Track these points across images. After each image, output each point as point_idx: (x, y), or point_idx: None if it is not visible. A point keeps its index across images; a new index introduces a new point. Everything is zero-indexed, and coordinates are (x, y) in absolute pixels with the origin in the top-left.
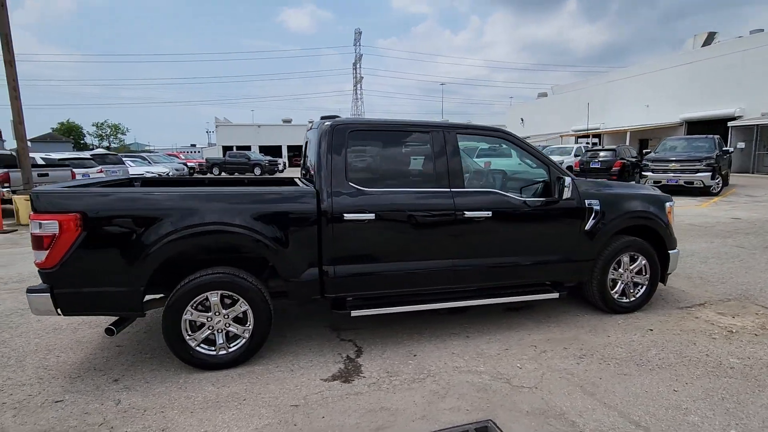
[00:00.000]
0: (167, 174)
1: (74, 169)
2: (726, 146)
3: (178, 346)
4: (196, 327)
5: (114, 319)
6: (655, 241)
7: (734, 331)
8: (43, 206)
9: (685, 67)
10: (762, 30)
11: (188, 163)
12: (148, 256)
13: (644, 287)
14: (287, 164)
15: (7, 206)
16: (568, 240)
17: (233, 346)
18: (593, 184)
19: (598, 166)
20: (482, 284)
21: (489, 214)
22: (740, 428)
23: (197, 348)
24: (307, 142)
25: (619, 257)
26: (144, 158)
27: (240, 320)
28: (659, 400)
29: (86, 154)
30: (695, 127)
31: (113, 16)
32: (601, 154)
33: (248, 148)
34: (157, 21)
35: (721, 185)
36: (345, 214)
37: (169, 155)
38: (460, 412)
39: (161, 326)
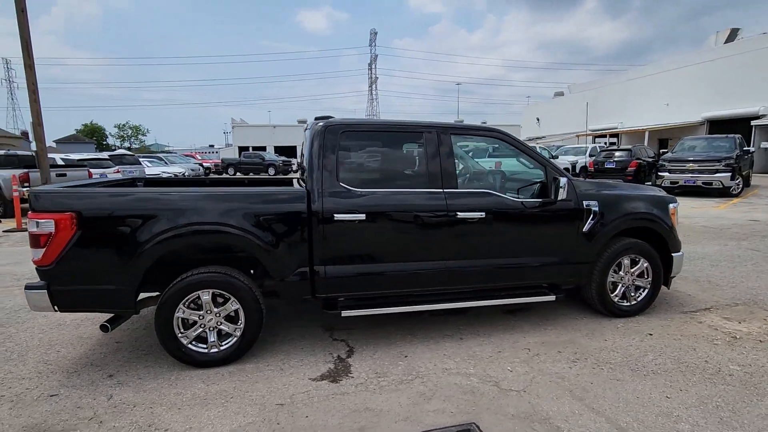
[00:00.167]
0: (183, 174)
1: (91, 169)
2: (748, 146)
3: (170, 343)
4: (188, 325)
5: (110, 316)
6: (657, 243)
7: (738, 337)
8: (40, 205)
9: (707, 65)
10: None
11: (204, 164)
12: (140, 255)
13: (646, 291)
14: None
15: (25, 205)
16: (565, 241)
17: (225, 344)
18: (592, 185)
19: (612, 166)
20: (476, 286)
21: (482, 215)
22: None
23: (189, 346)
24: (303, 143)
25: (620, 260)
26: (161, 159)
27: (232, 319)
28: (650, 406)
29: (104, 155)
30: (717, 126)
31: (136, 19)
32: (617, 154)
33: (264, 148)
34: (178, 24)
35: (741, 186)
36: (335, 215)
37: (186, 156)
38: (444, 414)
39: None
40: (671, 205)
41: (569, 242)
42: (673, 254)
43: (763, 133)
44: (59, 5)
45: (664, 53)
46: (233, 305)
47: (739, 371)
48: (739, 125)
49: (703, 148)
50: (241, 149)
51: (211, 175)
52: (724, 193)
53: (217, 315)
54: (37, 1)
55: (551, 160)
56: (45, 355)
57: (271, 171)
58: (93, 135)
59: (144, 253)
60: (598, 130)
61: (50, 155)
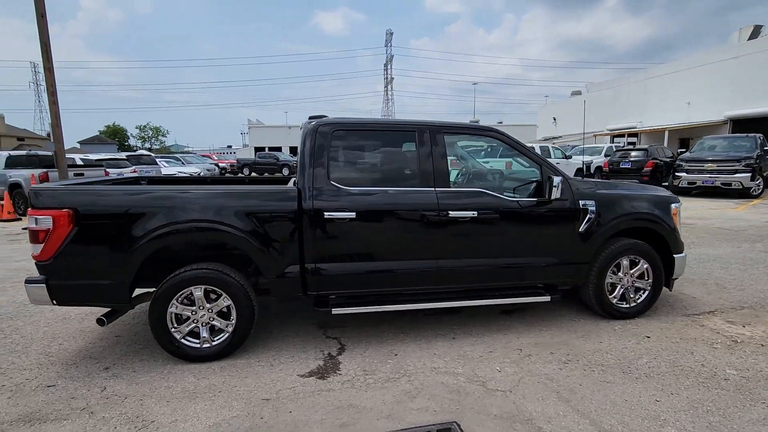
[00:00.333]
0: (198, 174)
1: (108, 169)
2: None
3: (163, 337)
4: (181, 320)
5: (106, 310)
6: (659, 244)
7: (739, 340)
8: (40, 203)
9: (730, 62)
10: None
11: (220, 164)
12: (133, 251)
13: (646, 293)
14: None
15: None
16: (560, 242)
17: (217, 339)
18: (590, 185)
19: (628, 166)
20: (469, 285)
21: (474, 214)
22: None
23: (182, 340)
24: None
25: (618, 260)
26: (177, 159)
27: (224, 315)
28: (637, 409)
29: (122, 155)
30: (740, 125)
31: (158, 23)
32: (633, 153)
33: (279, 149)
34: (199, 27)
35: (762, 187)
36: (325, 213)
37: (203, 156)
38: (427, 413)
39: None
40: (673, 206)
41: (565, 242)
42: (674, 255)
43: None
44: (85, 11)
45: (688, 51)
46: (225, 301)
47: (736, 376)
48: (763, 124)
49: (722, 147)
50: (257, 149)
51: (227, 175)
52: (743, 194)
53: (210, 311)
54: (64, 7)
55: (567, 159)
56: (47, 347)
57: (285, 171)
58: (115, 136)
59: (137, 250)
60: (616, 130)
61: (70, 155)
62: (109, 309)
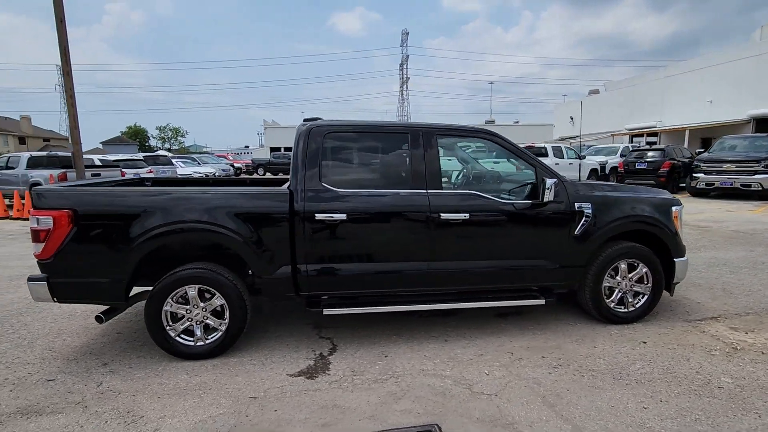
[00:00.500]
0: (214, 174)
1: (125, 170)
2: None
3: (158, 335)
4: (176, 318)
5: (105, 307)
6: (659, 247)
7: (739, 348)
8: (41, 203)
9: (753, 59)
10: None
11: (235, 164)
12: (129, 251)
13: (645, 297)
14: None
15: None
16: (555, 244)
17: (210, 338)
18: (587, 187)
19: (644, 167)
20: (462, 288)
21: (466, 216)
22: None
23: (177, 338)
24: None
25: (616, 264)
26: (194, 159)
27: (218, 314)
28: (623, 416)
29: (139, 155)
30: (765, 124)
31: (179, 26)
32: (649, 154)
33: None
34: (218, 29)
35: None
36: (317, 214)
37: (218, 156)
38: (410, 415)
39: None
40: (674, 208)
41: (560, 245)
42: (675, 259)
43: None
44: (109, 14)
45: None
46: (218, 300)
47: (730, 384)
48: None
49: (743, 147)
50: (273, 150)
51: (242, 175)
52: (763, 196)
53: (204, 310)
54: (90, 12)
55: (581, 159)
56: (52, 343)
57: None
58: (136, 137)
59: (132, 250)
60: (635, 129)
61: (90, 156)
62: (107, 307)
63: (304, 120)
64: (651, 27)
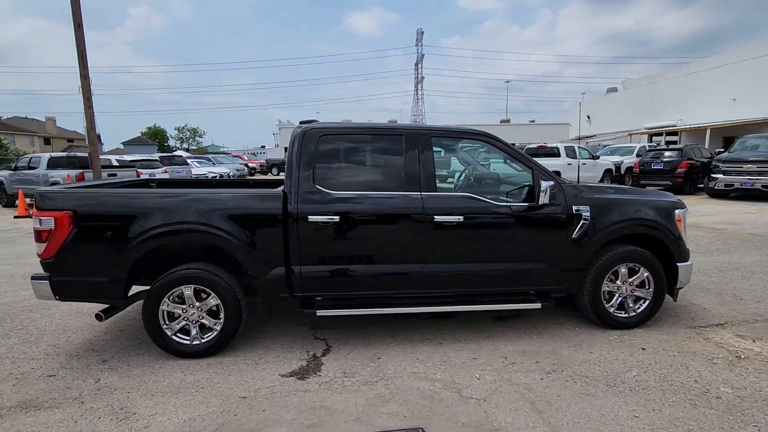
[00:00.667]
0: (228, 175)
1: (141, 170)
2: None
3: (155, 334)
4: (173, 317)
5: (105, 306)
6: (662, 251)
7: (743, 356)
8: (44, 204)
9: None
10: None
11: (249, 164)
12: (127, 251)
13: (647, 302)
14: None
15: None
16: (552, 248)
17: (206, 337)
18: (586, 189)
19: (660, 167)
20: (457, 290)
21: (460, 218)
22: None
23: (173, 337)
24: None
25: (616, 268)
26: (209, 160)
27: (213, 313)
28: (612, 425)
29: (155, 156)
30: None
31: (198, 28)
32: (666, 154)
33: None
34: (236, 30)
35: None
36: (309, 216)
37: (234, 157)
38: (396, 418)
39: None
40: (677, 211)
41: (557, 249)
42: (678, 264)
43: None
44: (132, 18)
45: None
46: (214, 300)
47: (730, 394)
48: None
49: (766, 147)
50: (287, 150)
51: (257, 176)
52: None
53: (199, 309)
54: (113, 16)
55: (595, 159)
56: (57, 339)
57: None
58: (156, 137)
59: (130, 250)
60: (655, 128)
61: (108, 156)
62: (107, 305)
63: (300, 122)
64: (673, 24)
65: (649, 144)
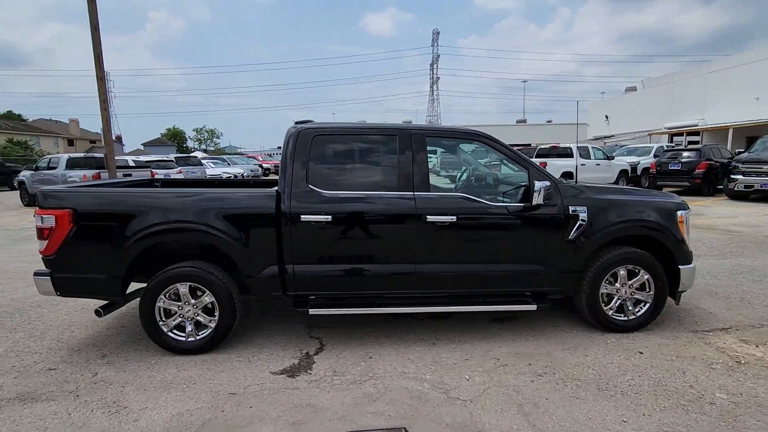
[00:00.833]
0: (242, 175)
1: (156, 170)
2: None
3: (152, 330)
4: (169, 314)
5: (104, 302)
6: (664, 253)
7: (744, 362)
8: (45, 203)
9: None
10: None
11: (264, 165)
12: (124, 249)
13: (647, 305)
14: None
15: None
16: (547, 249)
17: (201, 334)
18: (584, 189)
19: (678, 167)
20: (450, 291)
21: (453, 219)
22: None
23: (169, 333)
24: None
25: (614, 270)
26: (224, 160)
27: (209, 311)
28: (598, 429)
29: (171, 157)
30: None
31: (216, 31)
32: (684, 154)
33: None
34: (254, 33)
35: None
36: (302, 216)
37: (249, 157)
38: (381, 417)
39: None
40: (679, 213)
41: (553, 250)
42: (680, 267)
43: None
44: (153, 21)
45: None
46: (209, 298)
47: (725, 400)
48: None
49: None
50: None
51: (270, 176)
52: None
53: (195, 306)
54: (135, 20)
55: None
56: (61, 334)
57: None
58: (175, 138)
59: (127, 248)
60: (675, 128)
61: (125, 157)
62: (106, 301)
63: (296, 122)
64: (696, 21)
65: (668, 144)
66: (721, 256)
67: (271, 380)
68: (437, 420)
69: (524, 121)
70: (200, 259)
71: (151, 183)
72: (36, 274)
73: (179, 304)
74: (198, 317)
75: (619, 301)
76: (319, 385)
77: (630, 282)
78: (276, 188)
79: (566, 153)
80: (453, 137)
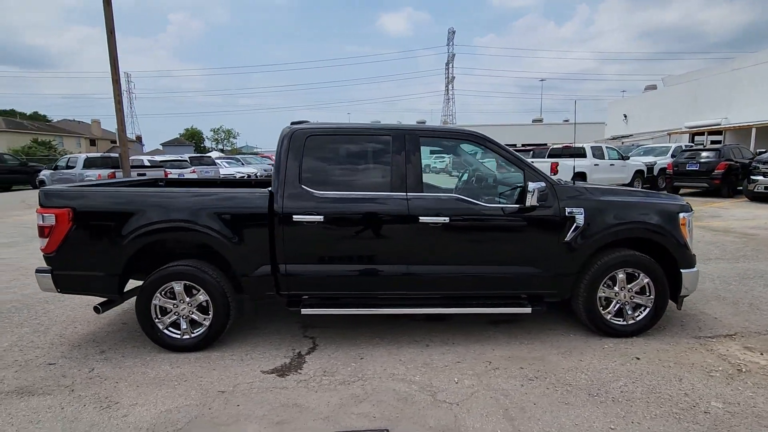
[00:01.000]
0: (256, 175)
1: (169, 169)
2: None
3: (148, 327)
4: (165, 312)
5: (103, 299)
6: (665, 257)
7: (744, 370)
8: (46, 202)
9: None
10: None
11: None
12: (121, 247)
13: (647, 310)
14: None
15: None
16: (543, 251)
17: (196, 332)
18: (582, 191)
19: (695, 168)
20: (443, 292)
21: (446, 220)
22: None
23: (164, 331)
24: None
25: (613, 273)
26: (238, 160)
27: (204, 309)
28: None
29: (185, 156)
30: None
31: (234, 32)
32: (703, 154)
33: None
34: (270, 34)
35: None
36: (294, 216)
37: (263, 157)
38: (365, 419)
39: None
40: (682, 215)
41: (548, 252)
42: (682, 271)
43: None
44: (174, 24)
45: None
46: (203, 297)
47: (720, 409)
48: None
49: None
50: None
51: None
52: None
53: (189, 305)
54: (156, 22)
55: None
56: (64, 330)
57: None
58: (193, 138)
59: (123, 246)
60: (696, 127)
61: (140, 157)
62: (106, 299)
63: (292, 123)
64: (722, 17)
65: (687, 144)
66: (734, 259)
67: (260, 379)
68: (420, 422)
69: (540, 120)
70: (196, 258)
71: (154, 183)
72: (38, 271)
73: (174, 302)
74: (193, 315)
75: (618, 305)
76: (307, 385)
77: (629, 286)
78: (270, 188)
79: (579, 153)
80: (446, 137)
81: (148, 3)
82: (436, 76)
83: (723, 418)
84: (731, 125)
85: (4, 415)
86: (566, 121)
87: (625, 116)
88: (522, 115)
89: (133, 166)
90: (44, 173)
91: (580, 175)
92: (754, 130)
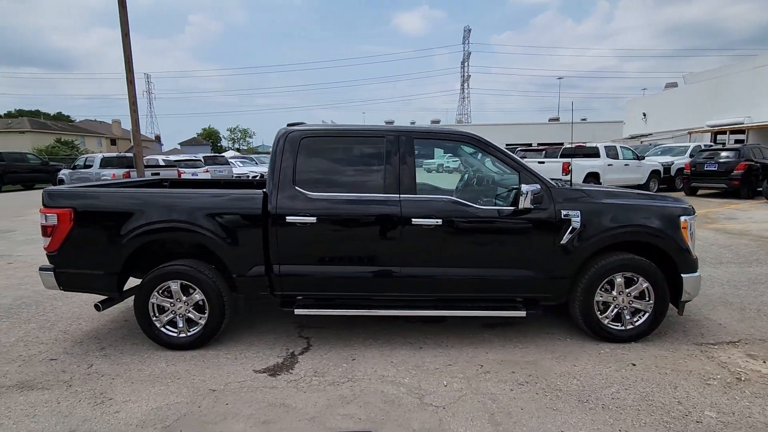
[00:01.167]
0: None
1: (183, 169)
2: None
3: (146, 325)
4: (162, 310)
5: (104, 297)
6: (666, 261)
7: (744, 378)
8: (49, 202)
9: None
10: None
11: None
12: (119, 246)
13: (646, 315)
14: None
15: None
16: (538, 254)
17: (192, 330)
18: (579, 193)
19: (714, 168)
20: (437, 294)
21: (439, 222)
22: None
23: (162, 329)
24: None
25: (611, 277)
26: (251, 159)
27: (200, 308)
28: None
29: (198, 156)
30: None
31: (252, 33)
32: (722, 154)
33: None
34: (287, 34)
35: None
36: (287, 217)
37: None
38: (351, 420)
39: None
40: (683, 218)
41: (544, 255)
42: (683, 275)
43: None
44: (192, 25)
45: None
46: (199, 296)
47: (713, 419)
48: None
49: None
50: None
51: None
52: None
53: (186, 304)
54: (175, 23)
55: (640, 160)
56: (68, 326)
57: None
58: (210, 138)
59: (122, 245)
60: (718, 126)
61: (156, 156)
62: (106, 296)
63: (288, 124)
64: (744, 13)
65: (706, 144)
66: (746, 263)
67: (252, 378)
68: (405, 425)
69: (557, 119)
70: (193, 257)
71: (159, 183)
72: (41, 269)
73: (171, 300)
74: (189, 314)
75: (616, 310)
76: (297, 385)
77: (628, 290)
78: (264, 189)
79: (593, 153)
80: (441, 138)
81: (169, 4)
82: (451, 74)
83: (715, 428)
84: (755, 124)
85: (3, 409)
86: (584, 119)
87: (644, 115)
88: (540, 113)
89: (147, 166)
90: (64, 172)
91: (593, 176)
92: None
